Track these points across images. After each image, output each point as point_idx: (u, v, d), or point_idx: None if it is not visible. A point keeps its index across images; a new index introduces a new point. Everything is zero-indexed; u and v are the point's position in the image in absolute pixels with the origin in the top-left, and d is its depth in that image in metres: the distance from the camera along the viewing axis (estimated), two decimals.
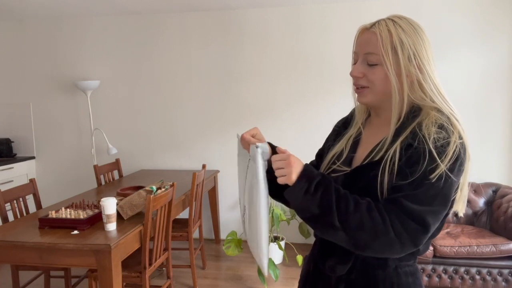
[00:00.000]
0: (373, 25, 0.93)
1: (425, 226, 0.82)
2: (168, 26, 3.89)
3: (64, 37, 4.05)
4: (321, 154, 1.16)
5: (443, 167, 0.82)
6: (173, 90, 3.96)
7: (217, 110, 3.92)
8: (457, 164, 0.84)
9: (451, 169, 0.83)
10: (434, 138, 0.83)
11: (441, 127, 0.85)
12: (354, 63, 0.97)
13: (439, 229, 0.93)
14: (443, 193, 0.83)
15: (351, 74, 0.95)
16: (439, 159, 0.82)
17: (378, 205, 0.84)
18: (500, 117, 3.48)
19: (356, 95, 0.98)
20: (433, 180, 0.82)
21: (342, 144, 1.03)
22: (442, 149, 0.83)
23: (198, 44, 3.86)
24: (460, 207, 0.93)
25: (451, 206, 0.91)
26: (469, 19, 3.42)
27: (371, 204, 0.84)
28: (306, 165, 0.91)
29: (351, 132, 1.05)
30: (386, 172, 0.87)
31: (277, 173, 0.89)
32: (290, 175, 0.87)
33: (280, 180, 0.89)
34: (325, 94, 3.64)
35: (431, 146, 0.83)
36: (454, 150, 0.83)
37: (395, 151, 0.87)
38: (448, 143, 0.83)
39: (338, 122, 1.16)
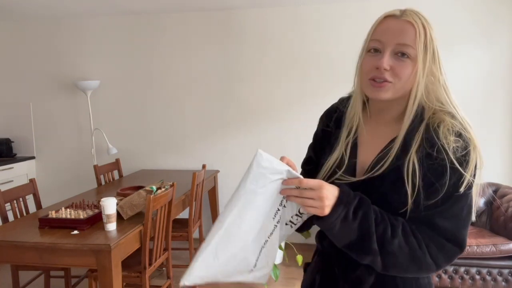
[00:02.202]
0: (403, 13, 0.85)
1: (461, 246, 0.81)
2: (168, 26, 3.88)
3: (64, 37, 4.05)
4: (309, 160, 1.07)
5: (469, 177, 0.80)
6: (173, 90, 3.96)
7: (217, 110, 3.91)
8: (476, 170, 0.82)
9: (474, 175, 0.81)
10: (453, 147, 0.80)
11: (458, 135, 0.81)
12: (373, 51, 0.86)
13: None
14: (470, 202, 0.82)
15: (379, 66, 0.83)
16: (462, 169, 0.79)
17: (412, 227, 0.81)
18: (500, 116, 3.48)
19: (372, 89, 0.86)
20: (462, 192, 0.80)
21: (341, 150, 0.94)
22: (463, 158, 0.80)
23: (198, 44, 3.86)
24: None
25: None
26: (469, 15, 3.41)
27: (406, 227, 0.81)
28: (341, 190, 0.81)
29: (346, 135, 0.95)
30: (408, 186, 0.81)
31: (306, 203, 0.80)
32: (323, 209, 0.79)
33: (310, 211, 0.81)
34: (325, 94, 3.64)
35: (452, 157, 0.79)
36: (475, 159, 0.81)
37: (413, 163, 0.82)
38: (468, 153, 0.81)
39: (328, 120, 1.03)
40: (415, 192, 0.81)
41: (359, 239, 0.81)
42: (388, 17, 0.86)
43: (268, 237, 0.88)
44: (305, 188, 0.79)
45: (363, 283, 0.89)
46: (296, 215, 0.87)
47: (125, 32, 3.95)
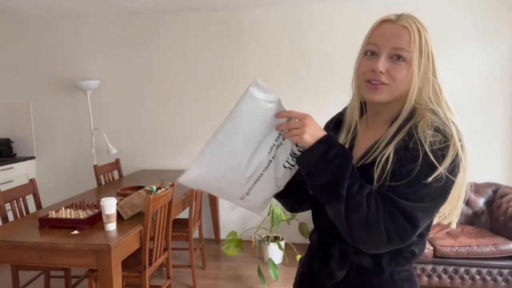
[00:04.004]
0: (399, 18, 0.87)
1: (414, 223, 0.81)
2: (168, 26, 3.89)
3: (64, 37, 4.05)
4: None
5: (442, 170, 0.79)
6: (173, 90, 3.96)
7: (217, 110, 3.91)
8: (454, 165, 0.82)
9: (449, 171, 0.81)
10: (430, 141, 0.81)
11: (436, 130, 0.82)
12: (369, 55, 0.90)
13: (428, 229, 0.92)
14: (437, 192, 0.81)
15: (375, 68, 0.87)
16: (437, 162, 0.80)
17: (376, 195, 0.83)
18: (500, 116, 3.47)
19: (368, 91, 0.90)
20: (429, 181, 0.80)
21: None
22: (439, 152, 0.80)
23: (198, 44, 3.86)
24: (453, 219, 0.91)
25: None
26: (471, 14, 3.41)
27: (372, 192, 0.83)
28: (329, 133, 0.86)
29: (344, 136, 1.00)
30: (377, 173, 0.85)
31: (291, 133, 0.85)
32: (302, 135, 0.83)
33: (294, 140, 0.85)
34: (325, 94, 3.64)
35: (427, 149, 0.80)
36: (452, 154, 0.81)
37: (389, 154, 0.85)
38: (446, 147, 0.81)
39: (329, 124, 1.11)
40: (382, 178, 0.84)
41: (334, 180, 0.82)
42: (384, 21, 0.89)
43: (264, 171, 0.90)
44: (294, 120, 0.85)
45: (334, 276, 0.94)
46: (291, 154, 0.90)
47: (125, 32, 3.96)
